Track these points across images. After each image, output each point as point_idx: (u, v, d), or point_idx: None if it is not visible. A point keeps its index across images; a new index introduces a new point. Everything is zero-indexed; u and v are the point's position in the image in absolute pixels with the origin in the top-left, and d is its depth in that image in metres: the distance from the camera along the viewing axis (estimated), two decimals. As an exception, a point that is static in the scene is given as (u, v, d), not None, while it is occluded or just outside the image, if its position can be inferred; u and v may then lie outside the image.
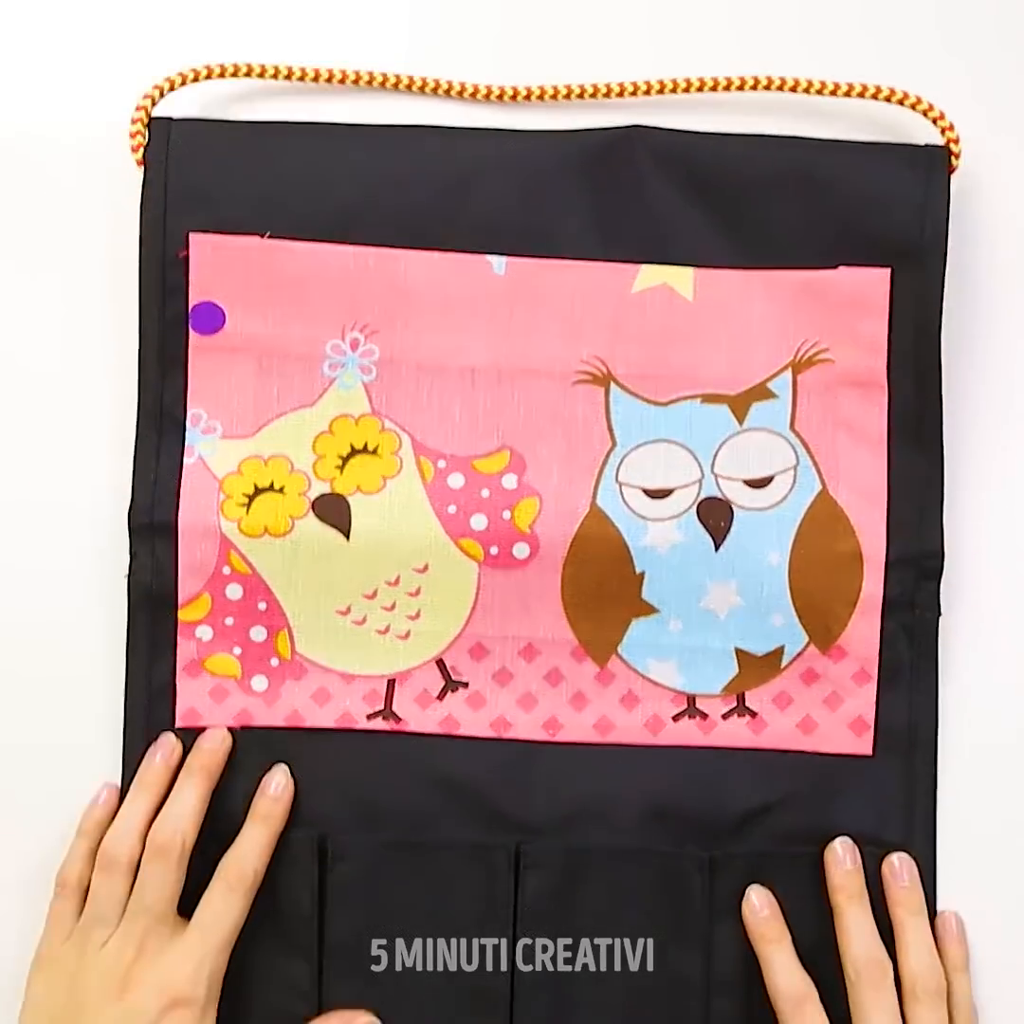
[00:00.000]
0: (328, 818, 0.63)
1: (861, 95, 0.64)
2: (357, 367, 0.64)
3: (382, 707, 0.64)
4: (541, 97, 0.65)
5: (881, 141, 0.64)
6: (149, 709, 0.64)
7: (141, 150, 0.63)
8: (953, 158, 0.63)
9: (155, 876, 0.60)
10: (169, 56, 0.64)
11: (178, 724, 0.64)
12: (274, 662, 0.64)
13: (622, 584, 0.64)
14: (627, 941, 0.63)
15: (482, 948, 0.63)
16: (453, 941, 0.63)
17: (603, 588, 0.64)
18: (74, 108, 0.66)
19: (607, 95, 0.65)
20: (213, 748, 0.63)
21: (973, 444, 0.65)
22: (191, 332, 0.63)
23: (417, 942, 0.63)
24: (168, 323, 0.63)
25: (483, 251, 0.63)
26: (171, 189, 0.62)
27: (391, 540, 0.63)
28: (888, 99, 0.64)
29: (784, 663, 0.64)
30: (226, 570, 0.63)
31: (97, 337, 0.65)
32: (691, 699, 0.65)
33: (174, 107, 0.64)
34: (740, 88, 0.64)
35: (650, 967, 0.63)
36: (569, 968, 0.63)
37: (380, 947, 0.63)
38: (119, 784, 0.64)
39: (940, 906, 0.64)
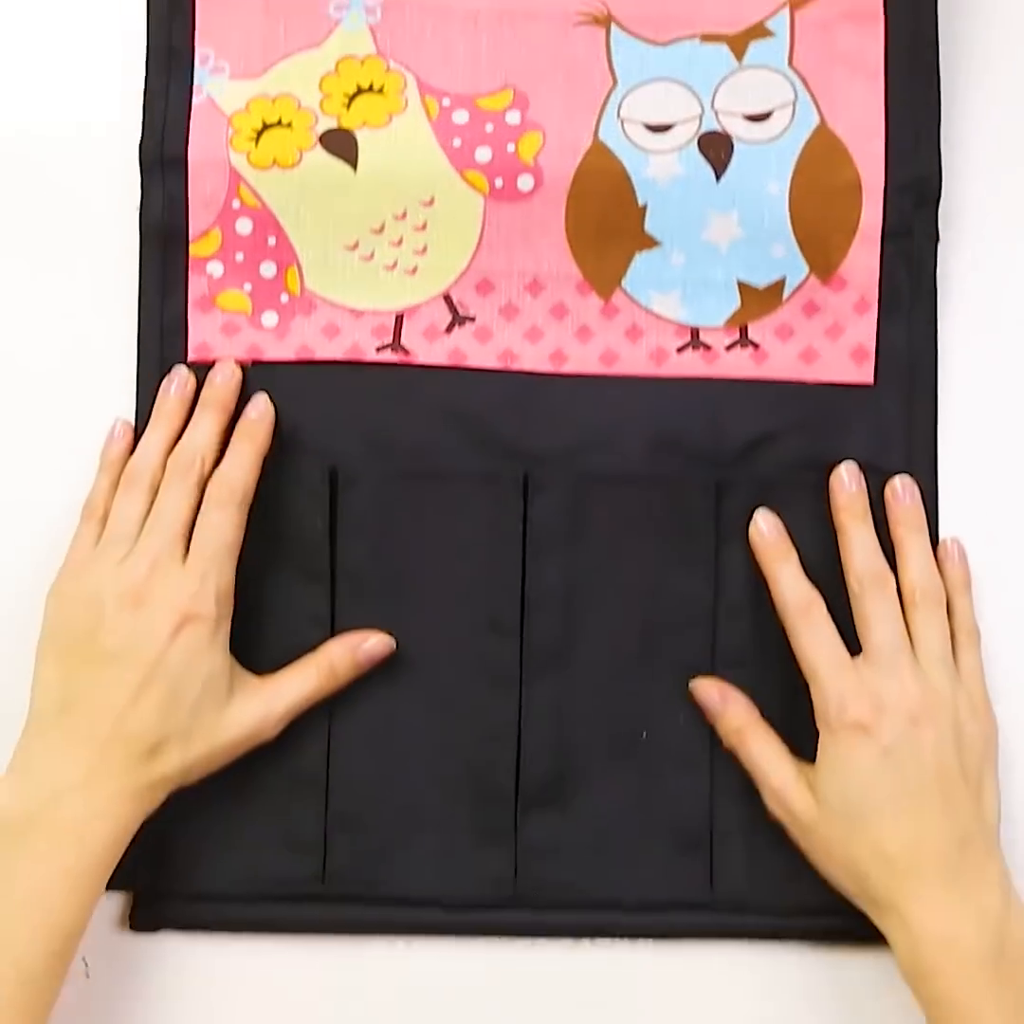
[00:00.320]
0: (339, 452, 0.64)
1: None
2: (362, 8, 0.65)
3: (391, 340, 0.65)
4: None
5: None
6: (162, 344, 0.65)
7: None
8: None
9: (173, 497, 0.61)
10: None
11: (190, 358, 0.65)
12: (284, 298, 0.65)
13: (624, 216, 0.65)
14: (635, 565, 0.64)
15: (492, 571, 0.63)
16: (464, 566, 0.64)
17: (606, 221, 0.65)
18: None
19: None
20: (225, 381, 0.64)
21: (970, 71, 0.66)
22: (199, -29, 0.64)
23: (430, 569, 0.64)
24: None
25: None
26: None
27: (397, 173, 0.64)
28: None
29: (785, 295, 0.65)
30: (236, 204, 0.64)
31: None
32: (694, 331, 0.65)
33: None
34: None
35: (658, 591, 0.64)
36: (577, 591, 0.63)
37: (393, 573, 0.63)
38: (133, 421, 0.64)
39: (941, 534, 0.65)
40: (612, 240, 0.65)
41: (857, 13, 0.65)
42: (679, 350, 0.65)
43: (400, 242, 0.65)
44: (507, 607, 0.63)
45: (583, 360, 0.65)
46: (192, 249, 0.65)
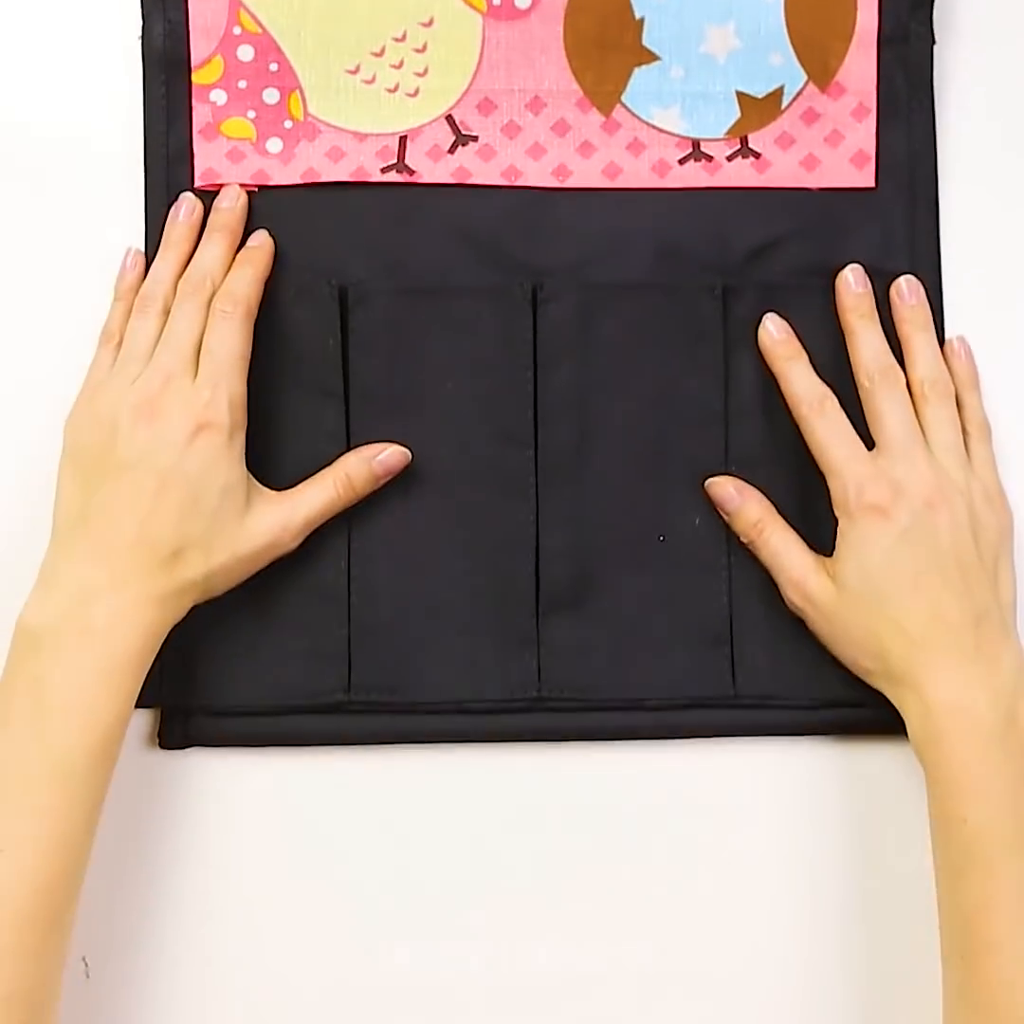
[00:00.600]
0: (348, 271, 0.65)
1: None
2: None
3: (395, 161, 0.65)
4: None
5: None
6: (168, 172, 0.65)
7: None
8: None
9: (183, 316, 0.61)
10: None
11: (197, 185, 0.65)
12: (288, 124, 0.65)
13: (622, 31, 0.65)
14: (645, 371, 0.64)
15: (504, 383, 0.64)
16: (476, 379, 0.64)
17: (604, 36, 0.65)
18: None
19: None
20: (231, 206, 0.64)
21: None
22: None
23: (442, 383, 0.64)
24: None
25: None
26: None
27: (395, -6, 0.65)
28: None
29: (784, 103, 0.66)
30: (237, 30, 0.65)
31: None
32: (696, 143, 0.66)
33: None
34: None
35: (669, 396, 0.64)
36: (589, 400, 0.64)
37: (405, 388, 0.64)
38: (144, 250, 0.65)
39: (948, 334, 0.65)
40: (611, 55, 0.66)
41: None
42: (681, 162, 0.66)
43: (401, 64, 0.65)
44: (520, 418, 0.64)
45: (586, 175, 0.66)
46: (194, 77, 0.65)
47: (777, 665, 0.63)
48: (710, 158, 0.66)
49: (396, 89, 0.66)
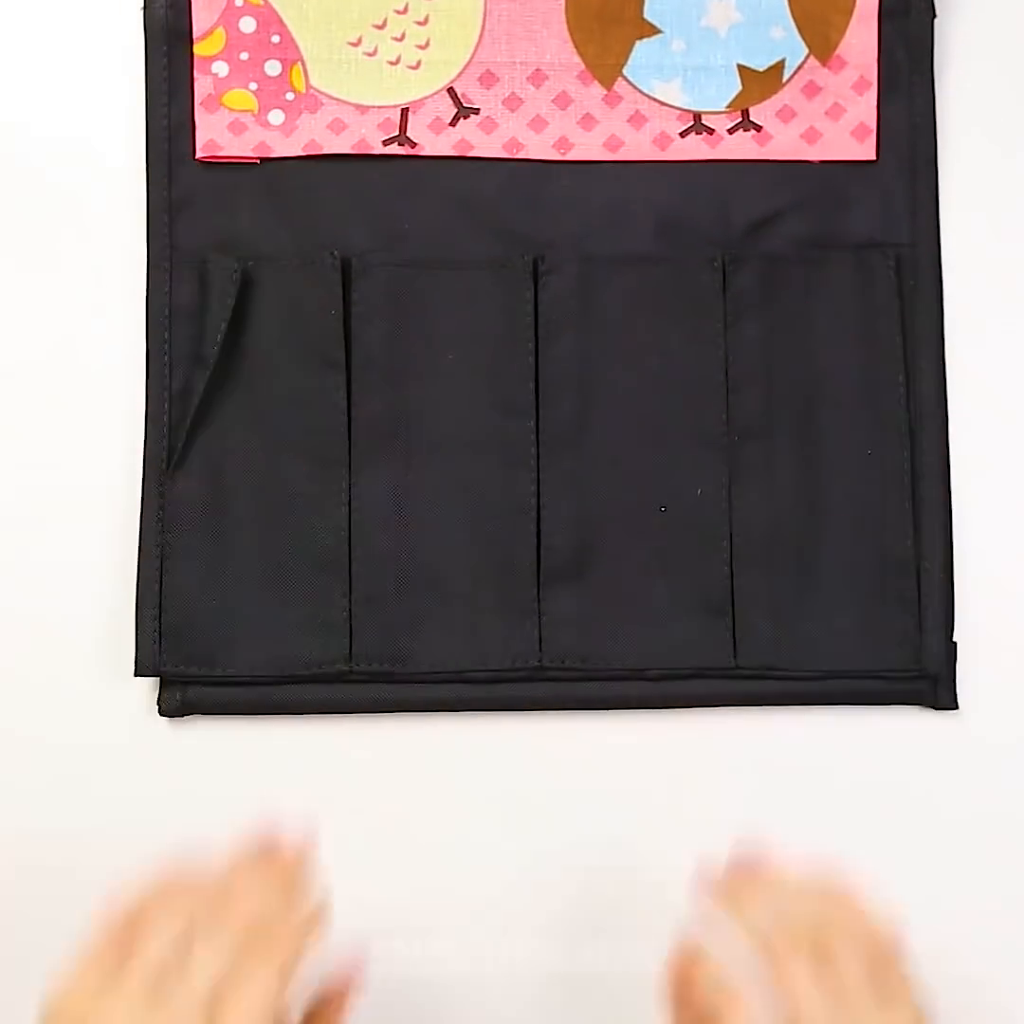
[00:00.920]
0: (351, 243, 0.65)
1: None
2: None
3: (397, 133, 0.66)
4: None
5: None
6: (170, 143, 0.65)
7: None
8: None
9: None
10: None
11: (199, 155, 0.65)
12: (289, 96, 0.66)
13: (624, 4, 0.66)
14: (646, 342, 0.64)
15: (506, 354, 0.64)
16: (478, 351, 0.64)
17: (606, 9, 0.65)
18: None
19: None
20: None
21: None
22: None
23: (444, 355, 0.64)
24: None
25: None
26: None
27: (398, -34, 0.65)
28: None
29: (785, 77, 0.66)
30: (239, 2, 0.65)
31: None
32: (697, 116, 0.66)
33: None
34: None
35: (670, 367, 0.64)
36: (590, 371, 0.64)
37: (407, 359, 0.64)
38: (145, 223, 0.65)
39: (946, 308, 0.65)
40: (613, 28, 0.66)
41: None
42: (682, 134, 0.66)
43: (402, 37, 0.65)
44: (521, 389, 0.64)
45: (587, 147, 0.66)
46: (196, 49, 0.65)
47: (778, 636, 0.63)
48: (711, 131, 0.66)
49: (398, 61, 0.66)
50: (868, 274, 0.65)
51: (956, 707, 0.64)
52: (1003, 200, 0.67)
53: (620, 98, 0.66)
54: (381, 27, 0.65)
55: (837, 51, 0.66)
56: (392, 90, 0.66)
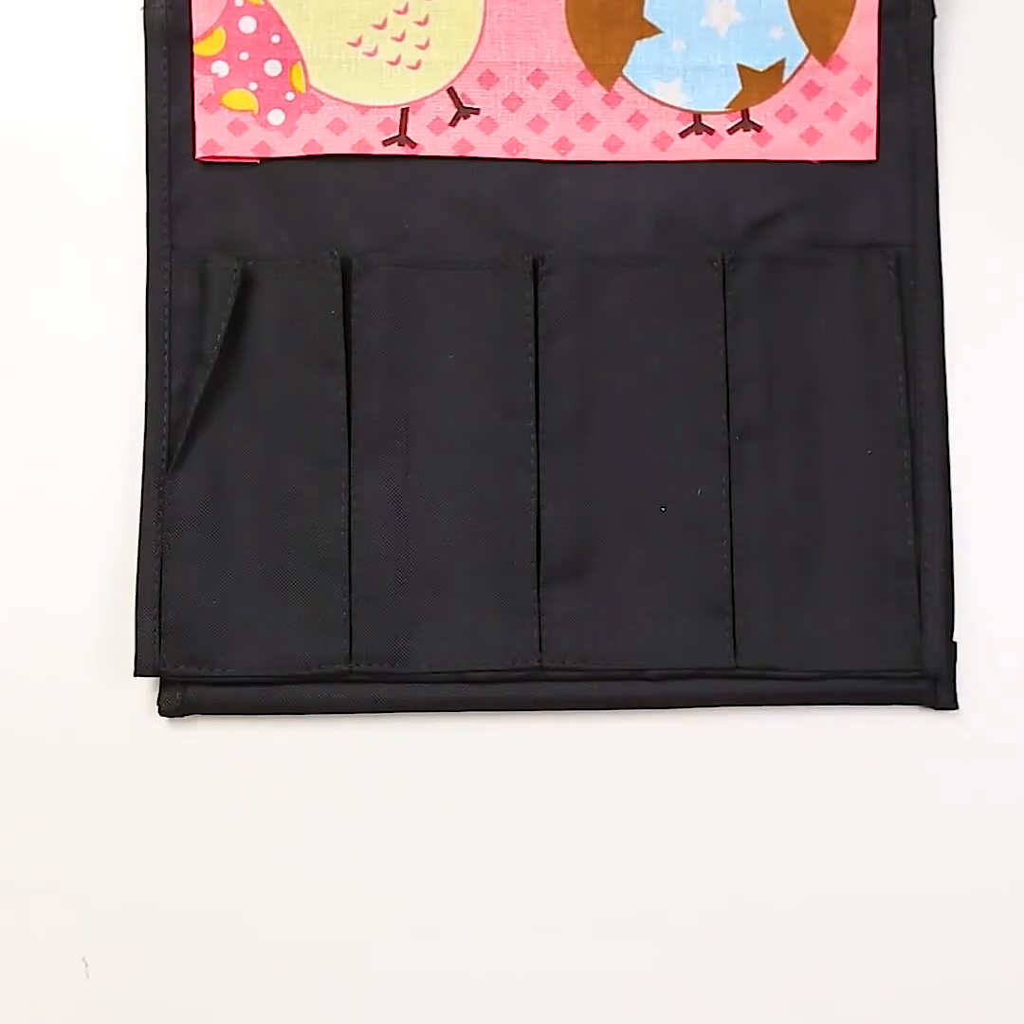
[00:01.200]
0: (351, 243, 0.65)
1: None
2: None
3: (397, 133, 0.66)
4: None
5: None
6: (170, 143, 0.65)
7: None
8: None
9: None
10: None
11: (199, 155, 0.65)
12: (289, 96, 0.66)
13: (624, 3, 0.66)
14: (646, 342, 0.64)
15: (506, 355, 0.64)
16: (478, 351, 0.64)
17: (606, 9, 0.66)
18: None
19: None
20: None
21: None
22: None
23: (444, 355, 0.64)
24: None
25: None
26: None
27: (397, -34, 0.65)
28: None
29: (785, 77, 0.66)
30: (238, 2, 0.65)
31: None
32: (697, 116, 0.66)
33: None
34: None
35: (670, 367, 0.64)
36: (590, 371, 0.64)
37: (407, 359, 0.64)
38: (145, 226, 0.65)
39: (946, 304, 0.65)
40: (612, 28, 0.66)
41: None
42: (682, 135, 0.66)
43: (402, 37, 0.65)
44: (521, 389, 0.64)
45: (587, 147, 0.66)
46: (196, 49, 0.65)
47: (778, 636, 0.63)
48: (711, 131, 0.66)
49: (398, 61, 0.66)
50: (868, 274, 0.65)
51: (956, 707, 0.64)
52: (1003, 200, 0.67)
53: (620, 98, 0.66)
54: (381, 27, 0.65)
55: (837, 51, 0.66)
56: (392, 90, 0.66)
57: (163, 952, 0.62)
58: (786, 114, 0.66)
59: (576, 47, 0.66)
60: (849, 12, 0.66)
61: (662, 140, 0.66)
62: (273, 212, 0.65)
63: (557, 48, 0.66)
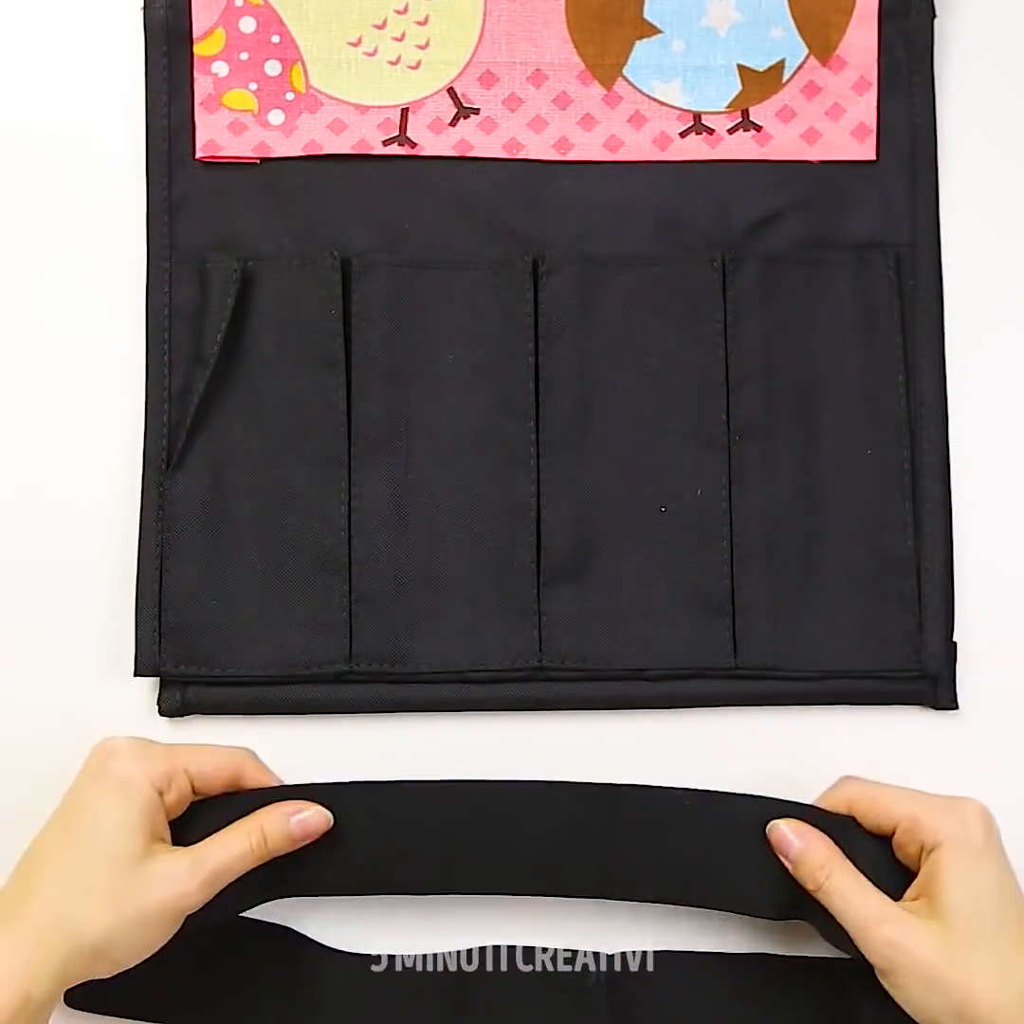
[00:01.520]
0: (351, 243, 0.65)
1: None
2: None
3: (397, 133, 0.66)
4: None
5: None
6: (170, 143, 0.65)
7: None
8: None
9: None
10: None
11: (199, 155, 0.65)
12: (289, 96, 0.66)
13: (624, 4, 0.66)
14: (647, 342, 0.64)
15: (505, 355, 0.64)
16: (478, 351, 0.64)
17: (606, 9, 0.66)
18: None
19: None
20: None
21: None
22: None
23: (444, 355, 0.64)
24: None
25: None
26: None
27: (397, -34, 0.65)
28: None
29: (785, 77, 0.66)
30: (238, 2, 0.65)
31: None
32: (697, 116, 0.66)
33: None
34: None
35: (670, 367, 0.64)
36: (591, 371, 0.64)
37: (407, 359, 0.64)
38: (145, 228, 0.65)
39: (945, 302, 0.65)
40: (613, 28, 0.66)
41: None
42: (682, 135, 0.66)
43: (402, 37, 0.65)
44: (521, 389, 0.64)
45: (587, 147, 0.66)
46: (196, 49, 0.65)
47: (778, 636, 0.63)
48: (711, 131, 0.66)
49: (398, 61, 0.66)
50: (868, 274, 0.65)
51: (956, 707, 0.64)
52: (1003, 200, 0.67)
53: (620, 98, 0.66)
54: (381, 27, 0.65)
55: (837, 51, 0.66)
56: (392, 90, 0.66)
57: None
58: (786, 114, 0.66)
59: (576, 47, 0.66)
60: (849, 12, 0.66)
61: (662, 140, 0.66)
62: (273, 212, 0.65)
63: (557, 48, 0.66)
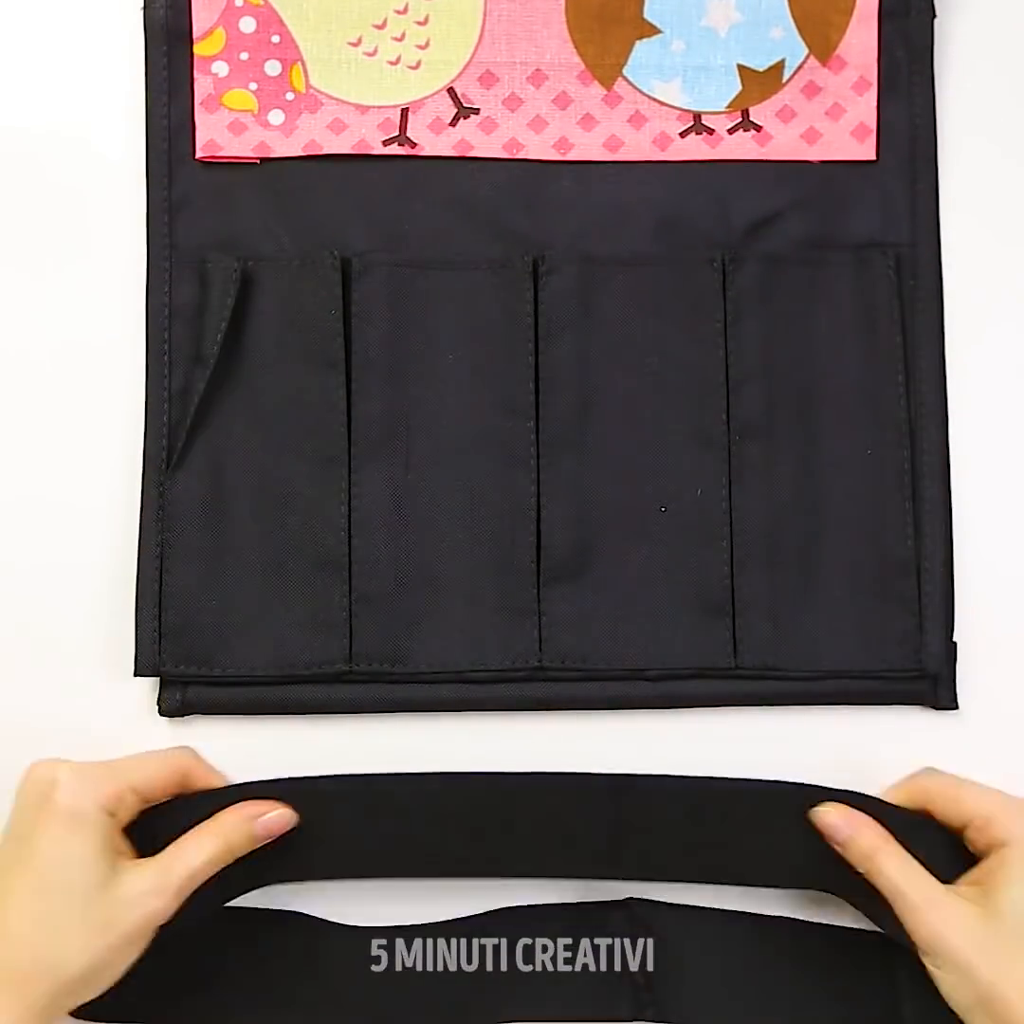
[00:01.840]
0: (351, 243, 0.65)
1: None
2: None
3: (397, 133, 0.66)
4: None
5: None
6: (170, 143, 0.65)
7: None
8: None
9: None
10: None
11: (199, 155, 0.65)
12: (289, 96, 0.66)
13: (624, 4, 0.66)
14: (647, 342, 0.64)
15: (505, 355, 0.64)
16: (478, 351, 0.64)
17: (606, 9, 0.65)
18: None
19: None
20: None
21: None
22: None
23: (444, 355, 0.64)
24: None
25: None
26: None
27: (397, -34, 0.65)
28: None
29: (785, 77, 0.66)
30: (238, 2, 0.65)
31: None
32: (697, 116, 0.66)
33: None
34: None
35: (670, 367, 0.64)
36: (591, 371, 0.64)
37: (407, 359, 0.64)
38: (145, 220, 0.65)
39: (945, 306, 0.65)
40: (613, 28, 0.66)
41: None
42: (682, 135, 0.66)
43: (402, 37, 0.65)
44: (521, 389, 0.64)
45: (587, 148, 0.66)
46: (196, 49, 0.65)
47: (778, 636, 0.63)
48: (711, 131, 0.66)
49: (398, 61, 0.66)
50: (868, 274, 0.65)
51: (956, 707, 0.64)
52: (1003, 200, 0.67)
53: (620, 98, 0.66)
54: (381, 27, 0.65)
55: (837, 51, 0.66)
56: (392, 90, 0.66)
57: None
58: (786, 114, 0.66)
59: (576, 47, 0.66)
60: (849, 12, 0.66)
61: (662, 140, 0.66)
62: (273, 212, 0.65)
63: (557, 48, 0.66)
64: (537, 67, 0.66)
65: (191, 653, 0.62)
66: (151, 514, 0.62)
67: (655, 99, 0.66)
